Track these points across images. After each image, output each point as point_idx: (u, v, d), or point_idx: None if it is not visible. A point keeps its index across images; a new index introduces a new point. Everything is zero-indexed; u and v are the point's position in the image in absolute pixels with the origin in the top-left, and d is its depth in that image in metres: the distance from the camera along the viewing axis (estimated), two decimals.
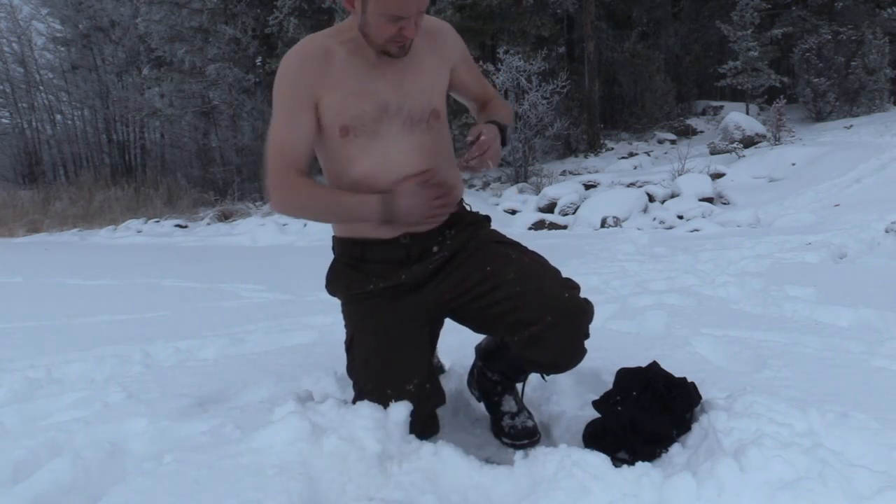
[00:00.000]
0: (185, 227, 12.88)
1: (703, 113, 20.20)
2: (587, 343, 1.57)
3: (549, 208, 10.13)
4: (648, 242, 6.82)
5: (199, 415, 1.79)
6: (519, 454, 1.44)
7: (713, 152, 13.57)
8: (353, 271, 1.67)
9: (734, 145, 13.25)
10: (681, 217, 8.83)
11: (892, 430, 1.44)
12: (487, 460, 1.51)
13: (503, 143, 1.60)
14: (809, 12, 19.80)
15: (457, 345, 2.08)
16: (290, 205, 1.61)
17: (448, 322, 1.72)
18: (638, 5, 22.31)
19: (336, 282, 1.72)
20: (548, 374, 1.75)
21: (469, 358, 1.93)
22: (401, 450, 1.42)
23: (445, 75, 1.65)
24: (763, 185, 10.59)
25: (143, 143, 24.77)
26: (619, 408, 1.57)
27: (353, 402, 1.59)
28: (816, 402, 1.63)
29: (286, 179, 1.55)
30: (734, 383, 1.80)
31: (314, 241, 9.08)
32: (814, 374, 2.01)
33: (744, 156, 12.42)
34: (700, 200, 9.42)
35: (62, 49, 24.88)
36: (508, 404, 1.78)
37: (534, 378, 1.86)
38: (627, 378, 1.64)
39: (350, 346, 1.69)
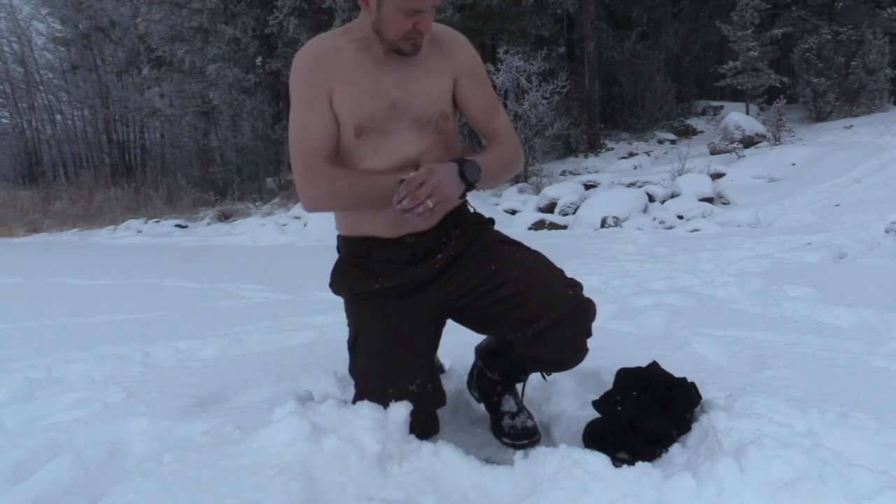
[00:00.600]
0: (185, 227, 12.88)
1: (703, 113, 20.22)
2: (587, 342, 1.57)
3: (549, 208, 10.13)
4: (648, 242, 6.82)
5: (199, 415, 1.79)
6: (519, 454, 1.44)
7: (713, 152, 13.58)
8: (357, 270, 1.67)
9: (734, 145, 13.26)
10: (681, 217, 8.82)
11: (892, 430, 1.44)
12: (487, 460, 1.51)
13: (467, 183, 1.48)
14: (809, 12, 19.82)
15: (457, 345, 2.07)
16: (325, 196, 1.56)
17: (448, 322, 1.72)
18: (638, 5, 22.33)
19: (340, 281, 1.72)
20: (550, 373, 1.75)
21: (469, 358, 1.93)
22: (401, 450, 1.43)
23: (449, 81, 1.64)
24: (763, 185, 10.59)
25: (143, 143, 24.80)
26: (619, 408, 1.58)
27: (354, 401, 1.59)
28: (816, 402, 1.63)
29: (320, 169, 1.54)
30: (734, 383, 1.81)
31: (314, 240, 9.08)
32: (814, 374, 2.01)
33: (744, 156, 12.42)
34: (700, 200, 9.41)
35: (62, 49, 24.91)
36: (508, 404, 1.78)
37: (534, 378, 1.86)
38: (627, 378, 1.64)
39: (353, 345, 1.69)
